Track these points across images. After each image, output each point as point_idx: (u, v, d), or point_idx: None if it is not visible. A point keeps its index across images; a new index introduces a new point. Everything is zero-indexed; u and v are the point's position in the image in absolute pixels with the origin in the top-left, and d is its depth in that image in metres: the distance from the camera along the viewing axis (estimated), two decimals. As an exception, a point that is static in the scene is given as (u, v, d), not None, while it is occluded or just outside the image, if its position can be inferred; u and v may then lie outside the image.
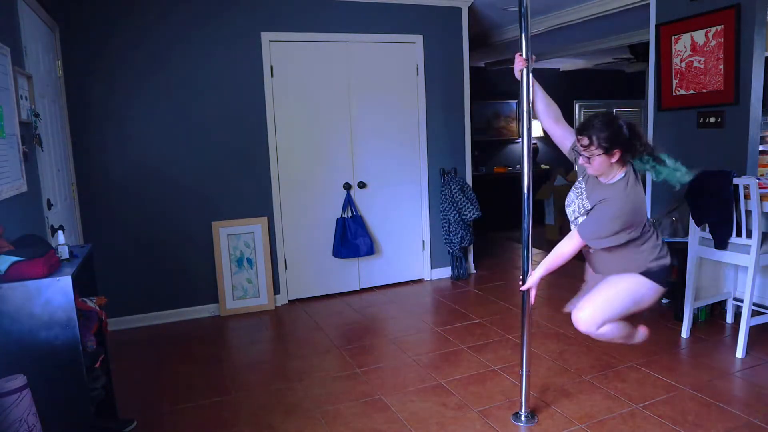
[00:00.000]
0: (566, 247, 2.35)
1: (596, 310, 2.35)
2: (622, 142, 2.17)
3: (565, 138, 2.45)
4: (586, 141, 2.19)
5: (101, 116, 3.84)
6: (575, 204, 2.42)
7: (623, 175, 2.25)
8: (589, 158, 2.21)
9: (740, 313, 3.22)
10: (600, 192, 2.29)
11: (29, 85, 2.75)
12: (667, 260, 2.37)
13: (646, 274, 2.33)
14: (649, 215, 4.34)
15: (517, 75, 2.39)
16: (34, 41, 3.01)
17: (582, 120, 2.34)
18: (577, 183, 2.46)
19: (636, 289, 2.34)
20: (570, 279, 5.05)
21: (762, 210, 3.07)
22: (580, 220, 2.37)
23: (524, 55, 2.34)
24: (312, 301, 4.55)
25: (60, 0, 3.59)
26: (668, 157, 2.23)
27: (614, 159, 2.19)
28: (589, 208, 2.33)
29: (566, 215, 2.49)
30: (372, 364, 3.25)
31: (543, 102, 2.45)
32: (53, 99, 3.41)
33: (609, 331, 2.40)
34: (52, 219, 2.94)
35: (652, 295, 2.37)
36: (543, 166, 8.16)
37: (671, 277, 3.93)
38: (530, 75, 2.37)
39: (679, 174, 2.20)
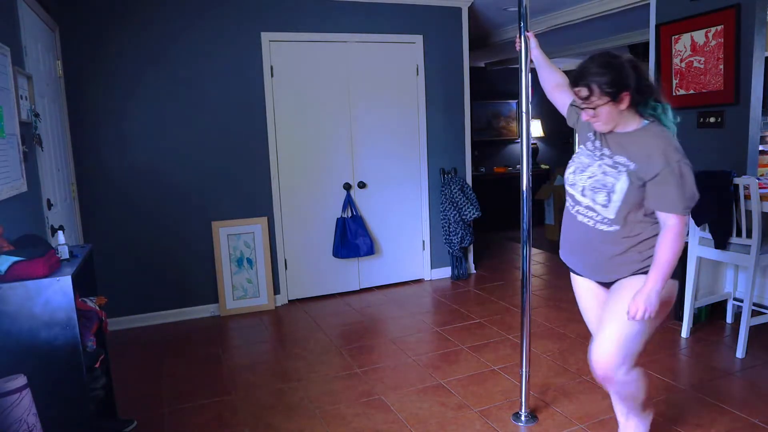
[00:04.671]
0: (674, 244, 1.74)
1: (616, 339, 1.81)
2: (630, 84, 1.74)
3: (564, 104, 2.14)
4: (585, 92, 1.77)
5: (101, 116, 3.84)
6: (591, 169, 1.88)
7: (647, 122, 1.84)
8: (594, 111, 1.78)
9: (740, 313, 3.22)
10: (635, 141, 1.81)
11: (29, 85, 2.75)
12: None
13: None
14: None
15: (518, 47, 2.34)
16: (34, 41, 3.01)
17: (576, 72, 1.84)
18: (585, 145, 1.96)
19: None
20: (569, 280, 5.06)
21: (762, 210, 3.07)
22: (596, 197, 1.85)
23: (522, 37, 2.33)
24: (312, 301, 4.55)
25: (60, 0, 3.59)
26: (670, 108, 1.85)
27: (624, 105, 1.77)
28: (627, 164, 1.79)
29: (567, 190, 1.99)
30: (372, 364, 3.25)
31: (546, 70, 2.27)
32: (53, 99, 3.41)
33: (637, 377, 1.89)
34: (52, 219, 2.94)
35: (674, 294, 1.88)
36: (543, 166, 8.16)
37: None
38: (530, 54, 2.35)
39: (673, 129, 1.85)
